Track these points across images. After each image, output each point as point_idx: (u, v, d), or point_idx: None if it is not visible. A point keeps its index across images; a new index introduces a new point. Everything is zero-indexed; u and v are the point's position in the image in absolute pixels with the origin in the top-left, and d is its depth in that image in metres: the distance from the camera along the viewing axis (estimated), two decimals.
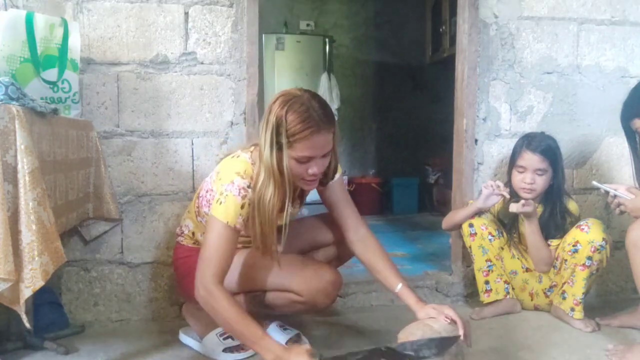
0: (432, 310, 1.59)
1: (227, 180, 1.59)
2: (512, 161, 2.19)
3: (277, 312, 1.83)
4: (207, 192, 1.72)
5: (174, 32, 2.14)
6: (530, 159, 2.11)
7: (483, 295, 2.20)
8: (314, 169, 1.56)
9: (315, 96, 1.57)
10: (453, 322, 1.55)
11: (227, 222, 1.55)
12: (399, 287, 1.67)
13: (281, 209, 1.66)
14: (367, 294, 2.30)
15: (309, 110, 1.50)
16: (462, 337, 1.52)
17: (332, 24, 5.34)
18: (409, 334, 1.50)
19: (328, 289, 1.71)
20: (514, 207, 2.06)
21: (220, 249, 1.55)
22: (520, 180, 2.13)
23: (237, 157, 1.67)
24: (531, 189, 2.11)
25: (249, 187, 1.58)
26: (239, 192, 1.57)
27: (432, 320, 1.56)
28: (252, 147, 1.69)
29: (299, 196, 1.79)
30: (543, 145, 2.12)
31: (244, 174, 1.59)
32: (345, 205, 1.79)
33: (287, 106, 1.51)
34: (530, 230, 2.11)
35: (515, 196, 2.14)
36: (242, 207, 1.57)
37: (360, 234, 1.77)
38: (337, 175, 1.77)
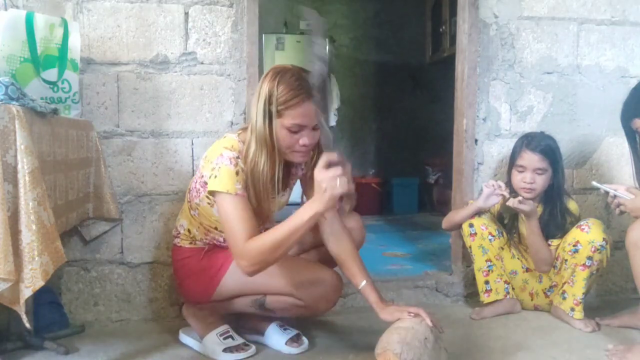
0: (395, 311, 1.59)
1: (216, 155, 1.62)
2: (512, 161, 2.19)
3: (278, 315, 1.83)
4: (195, 182, 1.74)
5: (174, 32, 2.14)
6: (530, 159, 2.11)
7: (483, 295, 2.20)
8: (305, 139, 1.59)
9: (305, 70, 1.61)
10: (417, 315, 1.55)
11: (228, 191, 1.57)
12: (362, 284, 1.66)
13: (271, 182, 1.69)
14: None
15: (299, 79, 1.57)
16: (431, 325, 1.53)
17: (332, 24, 5.34)
18: (386, 344, 1.46)
19: (329, 293, 1.72)
20: (510, 202, 2.07)
21: (235, 217, 1.56)
22: (520, 179, 2.13)
23: (224, 137, 1.72)
24: (531, 188, 2.11)
25: (237, 157, 1.61)
26: (230, 162, 1.59)
27: (400, 322, 1.54)
28: (240, 130, 1.73)
29: (285, 180, 1.78)
30: (543, 144, 2.12)
31: (231, 148, 1.63)
32: None
33: (279, 77, 1.57)
34: (530, 230, 2.11)
35: (515, 196, 2.14)
36: (237, 173, 1.59)
37: (334, 228, 1.74)
38: None
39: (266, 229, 1.59)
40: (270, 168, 1.63)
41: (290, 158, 1.66)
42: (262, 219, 1.70)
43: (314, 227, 1.86)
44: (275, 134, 1.59)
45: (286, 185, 1.82)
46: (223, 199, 1.58)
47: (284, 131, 1.58)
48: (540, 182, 2.12)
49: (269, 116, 1.58)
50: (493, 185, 2.12)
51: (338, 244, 1.73)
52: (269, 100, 1.57)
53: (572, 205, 2.19)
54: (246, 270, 1.54)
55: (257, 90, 1.63)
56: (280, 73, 1.58)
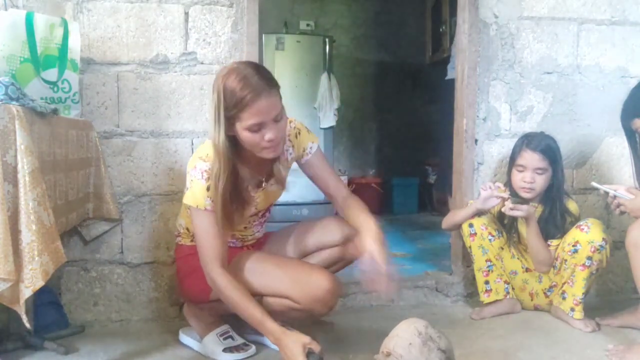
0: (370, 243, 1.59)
1: (191, 167, 1.65)
2: (512, 160, 2.19)
3: (274, 317, 1.83)
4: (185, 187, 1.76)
5: (174, 32, 2.14)
6: (530, 158, 2.11)
7: (483, 295, 2.20)
8: (269, 134, 1.56)
9: (250, 64, 1.61)
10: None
11: (197, 206, 1.62)
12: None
13: (258, 186, 1.74)
14: (367, 294, 2.30)
15: (246, 77, 1.53)
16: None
17: (332, 24, 5.34)
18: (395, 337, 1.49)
19: (326, 297, 1.68)
20: (504, 209, 2.08)
21: (204, 233, 1.63)
22: (520, 179, 2.13)
23: (203, 143, 1.73)
24: (531, 187, 2.11)
25: (211, 169, 1.61)
26: (202, 175, 1.61)
27: (393, 330, 1.54)
28: None
29: (271, 173, 1.77)
30: (543, 144, 2.12)
31: (205, 158, 1.63)
32: (327, 178, 1.82)
33: (224, 80, 1.54)
34: (529, 232, 2.11)
35: (515, 196, 2.14)
36: (208, 189, 1.61)
37: (347, 201, 1.79)
38: (314, 148, 1.80)
39: (263, 217, 1.68)
40: (225, 175, 1.60)
41: (262, 155, 1.63)
42: (233, 224, 1.70)
43: (325, 230, 1.87)
44: (239, 137, 1.58)
45: (271, 175, 1.79)
46: (193, 213, 1.65)
47: (245, 132, 1.56)
48: (540, 181, 2.12)
49: (223, 121, 1.55)
50: (490, 187, 2.11)
51: (348, 208, 1.77)
52: (220, 105, 1.54)
53: (572, 206, 2.19)
54: (208, 283, 1.66)
55: (210, 97, 1.61)
56: (225, 75, 1.55)
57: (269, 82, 1.56)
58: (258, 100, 1.52)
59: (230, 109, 1.53)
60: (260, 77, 1.54)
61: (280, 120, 1.60)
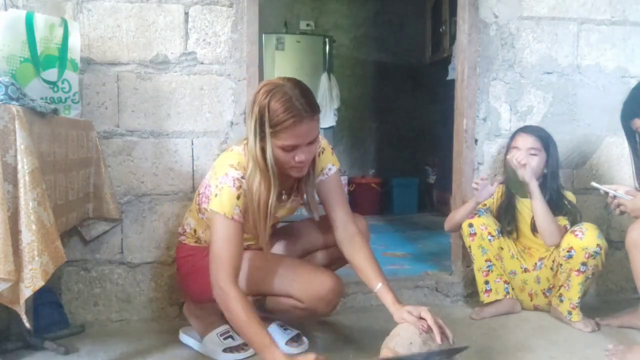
0: (407, 315, 1.55)
1: (221, 173, 1.61)
2: (508, 148, 2.24)
3: (277, 316, 1.83)
4: (205, 188, 1.73)
5: (174, 32, 2.14)
6: (524, 139, 2.17)
7: (483, 295, 2.20)
8: (301, 156, 1.57)
9: (298, 84, 1.58)
10: (421, 319, 1.52)
11: (225, 214, 1.57)
12: (378, 286, 1.65)
13: (279, 200, 1.69)
14: (367, 294, 2.30)
15: (291, 99, 1.52)
16: (449, 340, 1.52)
17: (332, 24, 5.34)
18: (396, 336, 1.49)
19: (329, 296, 1.70)
20: (509, 156, 2.13)
21: (225, 243, 1.58)
22: (514, 157, 2.14)
23: (231, 150, 1.70)
24: (525, 164, 2.11)
25: (242, 177, 1.60)
26: (234, 183, 1.59)
27: (394, 329, 1.53)
28: (246, 140, 1.70)
29: (297, 189, 1.79)
30: (537, 130, 2.21)
31: (237, 166, 1.61)
32: (336, 203, 1.78)
33: (270, 96, 1.52)
34: (535, 204, 2.09)
35: (512, 180, 2.15)
36: (238, 197, 1.58)
37: (348, 232, 1.75)
38: (333, 171, 1.78)
39: (273, 226, 1.62)
40: (265, 190, 1.60)
41: (288, 172, 1.64)
42: (257, 235, 1.69)
43: (325, 229, 1.86)
44: (271, 151, 1.57)
45: (295, 190, 1.79)
46: (218, 219, 1.59)
47: (278, 150, 1.56)
48: (534, 163, 2.13)
49: (261, 136, 1.55)
50: (477, 183, 2.13)
51: (352, 248, 1.73)
52: (260, 121, 1.53)
53: (569, 195, 2.23)
54: (213, 294, 1.59)
55: (250, 106, 1.60)
56: (271, 92, 1.53)
57: (313, 106, 1.56)
58: (300, 125, 1.52)
59: (272, 125, 1.52)
60: (307, 102, 1.54)
61: (314, 143, 1.60)
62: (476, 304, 2.27)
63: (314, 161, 1.71)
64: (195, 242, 1.84)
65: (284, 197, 1.74)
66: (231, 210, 1.57)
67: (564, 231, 2.10)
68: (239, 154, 1.65)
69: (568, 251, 2.03)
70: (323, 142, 1.79)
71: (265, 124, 1.52)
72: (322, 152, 1.78)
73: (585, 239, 2.00)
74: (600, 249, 2.00)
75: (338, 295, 1.74)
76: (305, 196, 1.78)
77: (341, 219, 1.76)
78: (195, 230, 1.83)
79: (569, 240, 2.04)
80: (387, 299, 1.62)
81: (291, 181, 1.74)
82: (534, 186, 2.09)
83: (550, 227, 2.09)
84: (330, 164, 1.78)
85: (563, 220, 2.15)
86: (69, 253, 2.05)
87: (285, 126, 1.51)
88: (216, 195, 1.59)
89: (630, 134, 1.99)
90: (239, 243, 1.60)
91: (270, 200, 1.62)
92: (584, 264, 2.01)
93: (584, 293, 2.07)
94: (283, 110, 1.50)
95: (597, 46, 2.45)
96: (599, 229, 2.05)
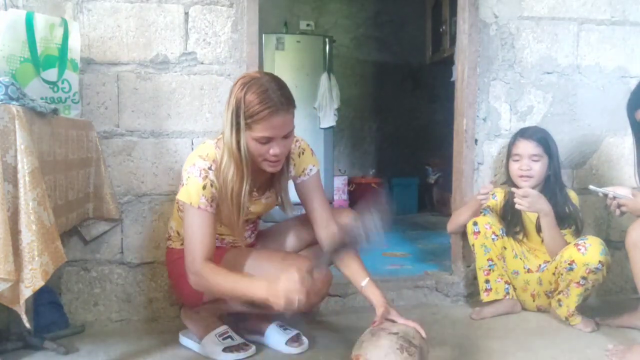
0: (392, 314, 1.60)
1: (190, 164, 1.65)
2: (508, 153, 2.23)
3: (269, 311, 1.82)
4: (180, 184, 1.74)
5: (174, 32, 2.14)
6: (525, 146, 2.15)
7: (483, 294, 2.20)
8: (275, 149, 1.59)
9: (274, 78, 1.61)
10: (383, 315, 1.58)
11: (191, 203, 1.61)
12: (364, 282, 1.67)
13: (251, 195, 1.72)
14: None
15: (267, 91, 1.54)
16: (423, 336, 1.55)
17: (332, 24, 5.34)
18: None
19: (317, 286, 1.68)
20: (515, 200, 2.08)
21: (196, 231, 1.61)
22: (517, 168, 2.16)
23: (203, 143, 1.72)
24: (529, 175, 2.13)
25: (210, 168, 1.62)
26: (200, 173, 1.61)
27: (388, 323, 1.56)
28: (221, 135, 1.72)
29: (269, 184, 1.79)
30: (536, 133, 2.18)
31: (205, 157, 1.64)
32: (317, 203, 1.79)
33: (246, 88, 1.55)
34: (544, 224, 2.09)
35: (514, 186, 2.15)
36: (204, 187, 1.61)
37: (329, 230, 1.76)
38: (314, 171, 1.80)
39: (254, 224, 1.67)
40: (238, 181, 1.62)
41: (263, 167, 1.65)
42: (231, 227, 1.71)
43: (310, 226, 1.85)
44: (246, 144, 1.59)
45: (269, 186, 1.81)
46: (186, 210, 1.64)
47: (253, 142, 1.58)
48: (537, 168, 2.14)
49: (236, 128, 1.57)
50: (484, 194, 2.13)
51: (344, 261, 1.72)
52: (236, 113, 1.56)
53: (571, 194, 2.22)
54: (190, 284, 1.62)
55: (227, 100, 1.62)
56: (248, 84, 1.56)
57: (288, 100, 1.58)
58: (275, 117, 1.54)
59: (247, 117, 1.55)
60: (282, 94, 1.56)
61: (289, 137, 1.62)
62: (476, 304, 2.27)
63: (288, 158, 1.73)
64: (181, 244, 1.81)
65: (254, 193, 1.76)
66: (197, 199, 1.60)
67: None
68: (210, 146, 1.68)
69: (569, 264, 2.00)
70: (303, 143, 1.82)
71: (240, 116, 1.55)
72: (303, 153, 1.80)
73: (588, 254, 1.95)
74: (602, 266, 1.95)
75: (327, 286, 1.77)
76: (279, 193, 1.80)
77: (322, 218, 1.78)
78: (178, 233, 1.83)
79: (571, 252, 2.00)
80: (374, 298, 1.65)
81: (266, 177, 1.76)
82: (542, 216, 2.08)
83: (557, 248, 2.09)
84: (311, 165, 1.80)
85: (570, 237, 2.12)
86: (69, 253, 2.05)
87: (261, 117, 1.53)
88: (183, 186, 1.64)
89: (635, 125, 1.98)
90: (208, 232, 1.62)
91: (243, 192, 1.65)
92: (584, 277, 1.98)
93: (582, 301, 2.06)
94: (259, 101, 1.53)
95: (597, 46, 2.45)
96: (603, 244, 1.97)
